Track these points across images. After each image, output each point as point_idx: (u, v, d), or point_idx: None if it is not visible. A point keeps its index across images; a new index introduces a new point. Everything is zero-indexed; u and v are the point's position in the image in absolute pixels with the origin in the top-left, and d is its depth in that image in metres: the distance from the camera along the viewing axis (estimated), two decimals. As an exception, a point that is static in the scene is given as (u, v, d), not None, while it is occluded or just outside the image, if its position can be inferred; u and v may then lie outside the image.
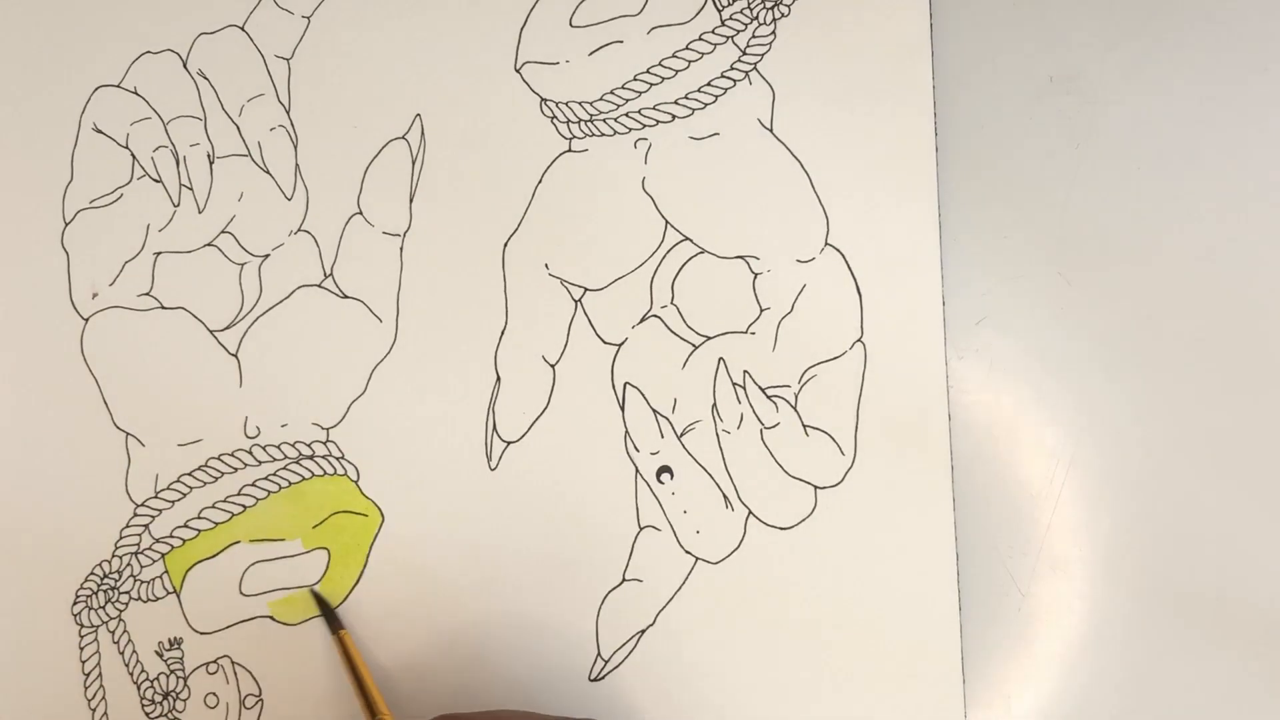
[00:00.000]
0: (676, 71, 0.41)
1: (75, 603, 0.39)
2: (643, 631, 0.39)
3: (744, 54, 0.41)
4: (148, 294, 0.40)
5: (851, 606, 0.39)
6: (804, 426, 0.40)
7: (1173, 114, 0.42)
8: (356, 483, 0.40)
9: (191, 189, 0.41)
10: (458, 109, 0.41)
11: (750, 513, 0.40)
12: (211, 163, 0.41)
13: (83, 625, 0.39)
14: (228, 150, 0.41)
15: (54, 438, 0.40)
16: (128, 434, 0.40)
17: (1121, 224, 0.41)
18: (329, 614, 0.39)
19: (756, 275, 0.41)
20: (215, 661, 0.39)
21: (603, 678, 0.39)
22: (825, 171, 0.41)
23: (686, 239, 0.41)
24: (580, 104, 0.41)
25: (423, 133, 0.41)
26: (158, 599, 0.39)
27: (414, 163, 0.41)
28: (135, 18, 0.41)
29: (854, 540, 0.40)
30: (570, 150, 0.41)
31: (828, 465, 0.40)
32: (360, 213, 0.41)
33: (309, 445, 0.40)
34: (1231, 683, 0.40)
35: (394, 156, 0.41)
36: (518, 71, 0.41)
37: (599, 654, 0.39)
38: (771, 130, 0.41)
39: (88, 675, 0.39)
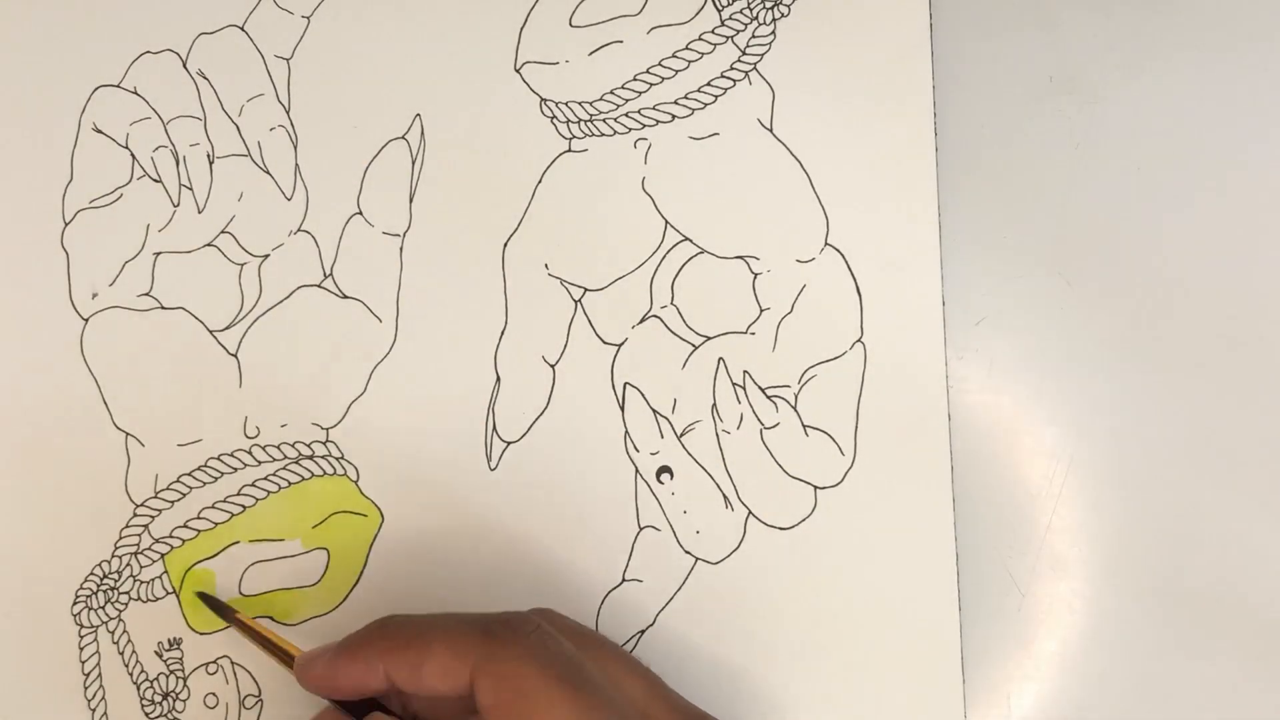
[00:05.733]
0: (676, 71, 0.41)
1: (75, 603, 0.39)
2: (643, 631, 0.39)
3: (744, 54, 0.41)
4: (147, 294, 0.40)
5: (851, 606, 0.39)
6: (804, 426, 0.40)
7: (1173, 114, 0.42)
8: (356, 483, 0.40)
9: (191, 189, 0.41)
10: (457, 109, 0.41)
11: (750, 513, 0.40)
12: (211, 163, 0.41)
13: (82, 625, 0.39)
14: (228, 150, 0.41)
15: (54, 438, 0.40)
16: (127, 434, 0.40)
17: (1121, 224, 0.41)
18: (216, 606, 0.38)
19: (756, 275, 0.41)
20: (215, 662, 0.39)
21: (603, 678, 0.39)
22: (825, 171, 0.41)
23: (686, 239, 0.41)
24: (580, 104, 0.41)
25: (422, 133, 0.41)
26: (157, 599, 0.39)
27: (414, 163, 0.41)
28: (135, 18, 0.41)
29: (854, 540, 0.40)
30: (570, 150, 0.41)
31: (827, 465, 0.40)
32: (360, 213, 0.41)
33: (309, 445, 0.40)
34: (1231, 682, 0.40)
35: (394, 156, 0.41)
36: (517, 71, 0.41)
37: (599, 654, 0.39)
38: (771, 130, 0.41)
39: (87, 675, 0.39)
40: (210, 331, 0.40)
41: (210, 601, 0.39)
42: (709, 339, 0.40)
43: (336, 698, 0.34)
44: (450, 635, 0.31)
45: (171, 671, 0.39)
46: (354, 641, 0.33)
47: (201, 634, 0.39)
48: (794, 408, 0.40)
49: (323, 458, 0.40)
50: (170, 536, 0.39)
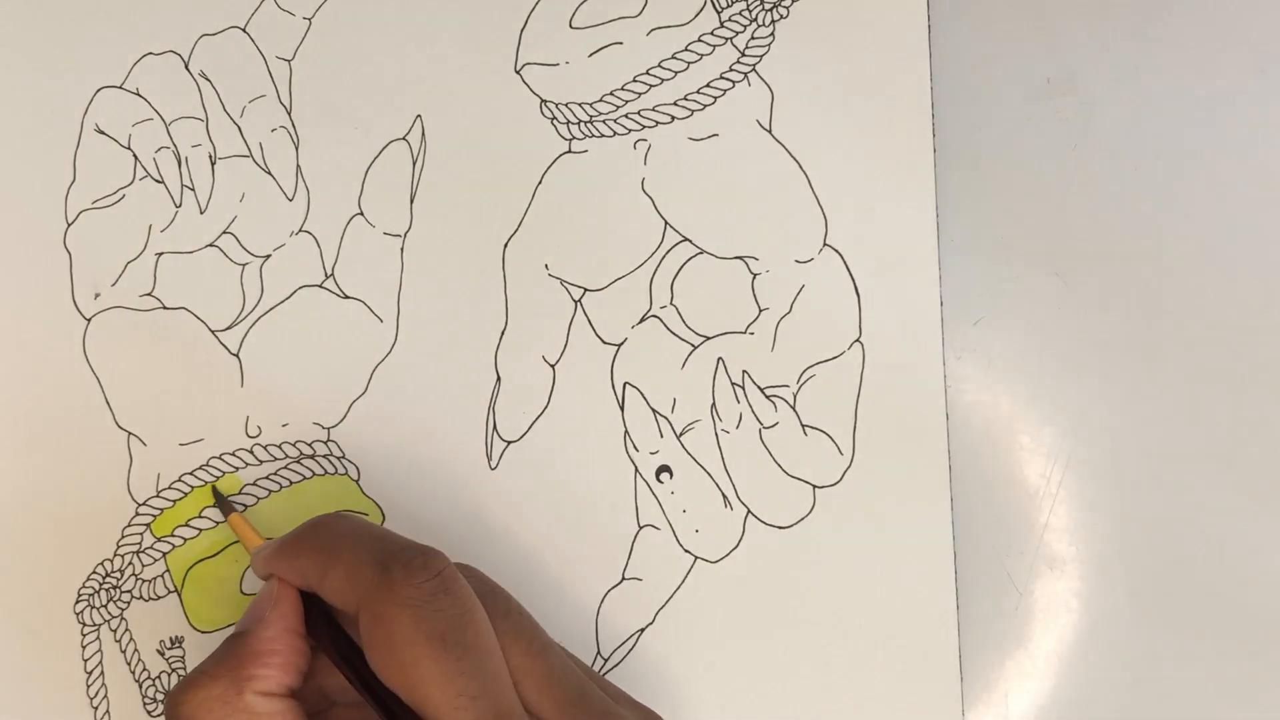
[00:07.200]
0: (676, 73, 0.41)
1: (78, 601, 0.39)
2: (642, 630, 0.40)
3: (743, 55, 0.41)
4: (150, 294, 0.41)
5: (850, 605, 0.40)
6: (802, 426, 0.40)
7: (1170, 115, 0.42)
8: (357, 482, 0.40)
9: (193, 190, 0.41)
10: (458, 110, 0.41)
11: (749, 512, 0.40)
12: (213, 163, 0.41)
13: (85, 624, 0.39)
14: (229, 151, 0.41)
15: (56, 437, 0.40)
16: (130, 433, 0.40)
17: (1118, 224, 0.42)
18: (221, 501, 0.39)
19: (755, 275, 0.41)
20: (216, 660, 0.39)
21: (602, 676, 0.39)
22: (823, 172, 0.41)
23: (685, 239, 0.41)
24: (580, 105, 0.41)
25: (423, 134, 0.41)
26: (159, 598, 0.39)
27: (415, 164, 0.41)
28: (137, 19, 0.42)
29: (852, 539, 0.40)
30: (570, 151, 0.41)
31: (826, 465, 0.40)
32: (361, 213, 0.41)
33: (310, 445, 0.40)
34: (1229, 682, 0.40)
35: (395, 157, 0.41)
36: (518, 73, 0.41)
37: (599, 652, 0.39)
38: (770, 131, 0.41)
39: (90, 674, 0.39)
40: (212, 331, 0.40)
41: (218, 497, 0.39)
42: (708, 339, 0.41)
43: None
44: (351, 560, 0.31)
45: (173, 670, 0.39)
46: (289, 539, 0.33)
47: (203, 632, 0.39)
48: (793, 407, 0.40)
49: (324, 457, 0.40)
50: (172, 535, 0.39)
